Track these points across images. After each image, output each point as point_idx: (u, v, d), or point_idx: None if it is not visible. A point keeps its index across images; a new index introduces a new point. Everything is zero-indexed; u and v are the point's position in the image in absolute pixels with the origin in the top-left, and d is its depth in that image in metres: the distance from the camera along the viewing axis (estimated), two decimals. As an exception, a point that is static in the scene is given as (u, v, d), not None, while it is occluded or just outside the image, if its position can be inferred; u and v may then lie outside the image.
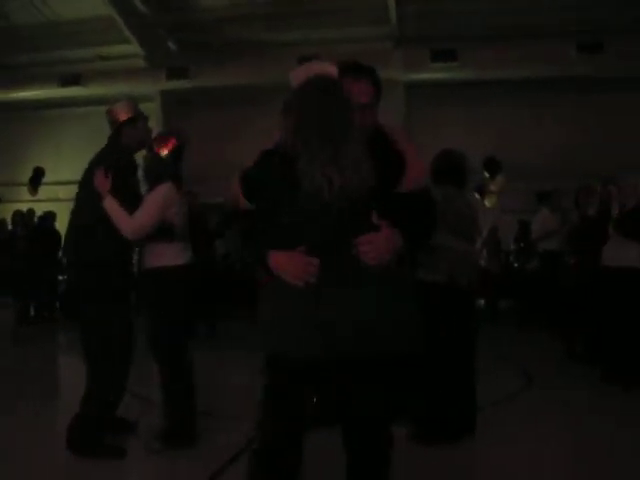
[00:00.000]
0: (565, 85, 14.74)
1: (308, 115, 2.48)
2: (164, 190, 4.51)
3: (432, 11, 14.17)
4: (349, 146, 2.40)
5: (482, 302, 10.97)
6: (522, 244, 11.70)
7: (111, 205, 4.31)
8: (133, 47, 15.89)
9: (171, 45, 16.42)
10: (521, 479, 4.11)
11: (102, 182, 4.35)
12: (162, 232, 4.46)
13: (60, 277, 12.90)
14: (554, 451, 4.61)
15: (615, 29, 14.05)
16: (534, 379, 6.78)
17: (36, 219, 12.93)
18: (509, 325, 10.67)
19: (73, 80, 16.55)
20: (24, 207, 13.55)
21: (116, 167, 4.41)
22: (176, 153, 4.76)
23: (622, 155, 13.48)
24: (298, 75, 2.63)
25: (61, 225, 13.09)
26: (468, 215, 4.91)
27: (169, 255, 4.51)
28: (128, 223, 4.31)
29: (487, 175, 11.22)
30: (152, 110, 16.41)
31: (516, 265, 11.69)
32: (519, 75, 14.51)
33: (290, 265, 2.40)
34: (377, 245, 2.39)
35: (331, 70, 2.60)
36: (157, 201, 4.44)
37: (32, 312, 12.13)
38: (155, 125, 16.54)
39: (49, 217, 12.68)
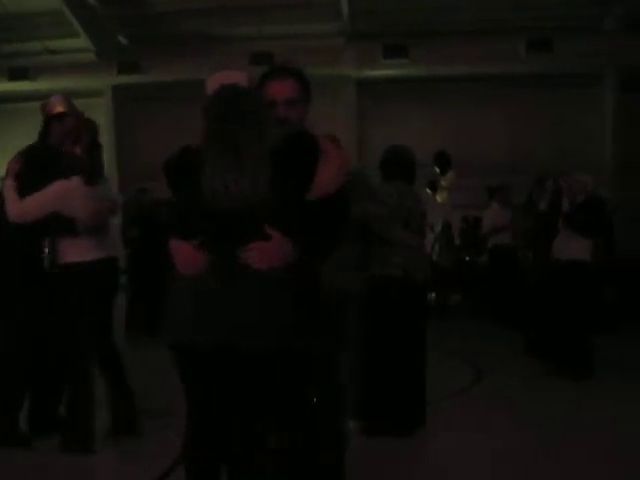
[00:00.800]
0: (515, 82, 15.00)
1: (210, 124, 2.66)
2: (63, 184, 4.37)
3: (384, 8, 14.28)
4: (249, 155, 2.49)
5: (433, 296, 11.10)
6: (468, 239, 11.87)
7: (8, 187, 4.31)
8: (83, 41, 15.67)
9: (122, 39, 16.22)
10: (467, 470, 4.18)
11: (11, 166, 4.41)
12: (60, 226, 4.35)
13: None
14: (502, 443, 4.69)
15: (564, 27, 14.35)
16: (483, 373, 6.88)
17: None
18: (459, 319, 10.78)
19: (21, 74, 16.26)
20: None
21: (31, 155, 4.44)
22: (89, 148, 4.60)
23: (570, 152, 13.79)
24: (211, 85, 2.79)
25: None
26: (419, 210, 4.97)
27: (74, 251, 4.39)
28: (14, 206, 4.26)
29: (438, 170, 11.33)
30: (103, 105, 16.26)
31: (467, 259, 11.84)
32: (470, 72, 14.71)
33: (179, 253, 2.53)
34: (265, 252, 2.46)
35: (239, 78, 2.67)
36: (50, 192, 4.32)
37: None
38: (105, 120, 16.40)
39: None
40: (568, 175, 6.98)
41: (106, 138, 16.11)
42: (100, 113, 16.19)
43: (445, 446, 4.60)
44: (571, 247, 6.57)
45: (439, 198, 11.80)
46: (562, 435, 4.79)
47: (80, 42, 15.71)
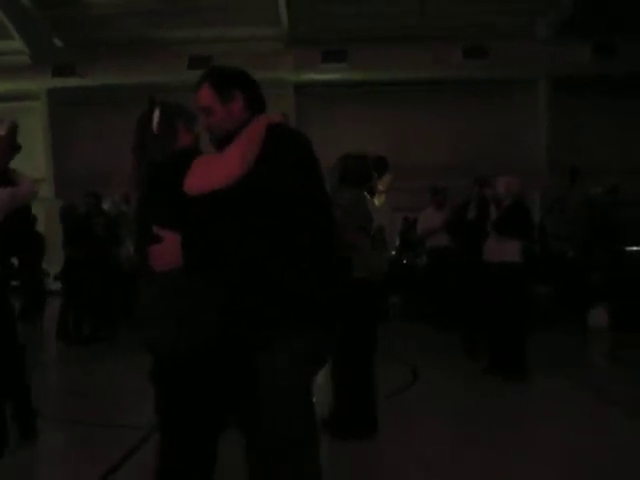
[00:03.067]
0: (453, 87, 15.28)
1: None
2: None
3: (323, 13, 14.38)
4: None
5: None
6: (407, 240, 11.99)
7: None
8: (17, 43, 15.34)
9: (57, 42, 15.95)
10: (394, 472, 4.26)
11: None
12: None
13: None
14: (431, 443, 4.79)
15: (499, 34, 14.69)
16: (419, 374, 6.97)
17: None
18: (396, 321, 10.84)
19: (-48, 76, 15.85)
20: None
21: None
22: None
23: (506, 155, 14.11)
24: None
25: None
26: (370, 215, 5.05)
27: None
28: None
29: (375, 174, 11.39)
30: (38, 108, 15.97)
31: (405, 262, 11.97)
32: (407, 76, 14.94)
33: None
34: (158, 254, 2.56)
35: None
36: None
37: None
38: (41, 123, 16.12)
39: None
40: (495, 178, 7.13)
41: (41, 142, 15.89)
42: (35, 116, 15.94)
43: (375, 446, 4.66)
44: (501, 249, 6.71)
45: (377, 201, 11.90)
46: (491, 434, 4.90)
47: (14, 44, 15.38)
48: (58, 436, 4.98)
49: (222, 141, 2.74)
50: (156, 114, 2.83)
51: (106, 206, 10.15)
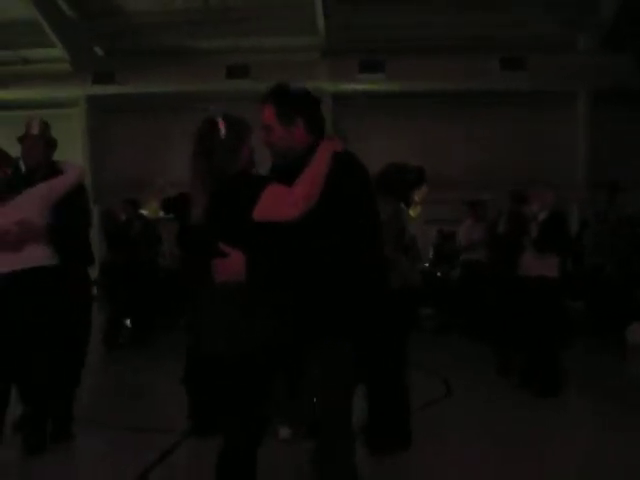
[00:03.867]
0: (490, 99, 15.12)
1: None
2: None
3: (360, 23, 14.37)
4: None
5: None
6: (442, 253, 11.91)
7: None
8: (58, 51, 15.58)
9: (98, 50, 16.16)
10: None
11: None
12: None
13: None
14: (463, 458, 4.72)
15: (538, 45, 14.54)
16: (452, 387, 6.90)
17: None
18: (428, 333, 10.75)
19: (-5, 83, 16.12)
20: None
21: None
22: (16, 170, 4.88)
23: (543, 169, 13.93)
24: None
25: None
26: (406, 227, 5.02)
27: None
28: None
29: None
30: (77, 115, 16.17)
31: (439, 274, 11.88)
32: (444, 87, 14.84)
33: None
34: (223, 267, 2.75)
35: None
36: None
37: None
38: (80, 130, 16.32)
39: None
40: (532, 187, 7.04)
41: (80, 148, 16.07)
42: (74, 123, 16.14)
43: (407, 459, 4.61)
44: (540, 264, 6.62)
45: (412, 212, 11.84)
46: (524, 450, 4.82)
47: (55, 52, 15.62)
48: (91, 439, 5.02)
49: (288, 160, 2.98)
50: (221, 122, 2.92)
51: (145, 212, 10.29)
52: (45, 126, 5.02)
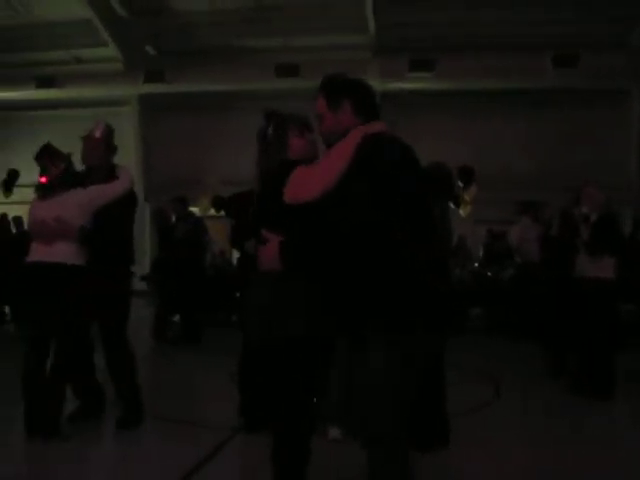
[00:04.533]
0: (541, 97, 14.92)
1: None
2: None
3: (410, 21, 14.30)
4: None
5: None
6: (493, 253, 11.77)
7: None
8: (111, 50, 15.84)
9: (149, 49, 16.37)
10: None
11: None
12: None
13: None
14: (515, 461, 4.64)
15: (590, 43, 14.28)
16: (502, 390, 6.81)
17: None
18: (477, 334, 10.64)
19: (48, 82, 16.46)
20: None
21: None
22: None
23: (596, 168, 13.69)
24: None
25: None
26: (451, 227, 4.97)
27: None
28: None
29: (461, 184, 11.26)
30: (129, 113, 16.41)
31: (489, 274, 11.75)
32: (495, 86, 14.66)
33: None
34: (264, 255, 2.83)
35: None
36: None
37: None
38: (131, 127, 16.54)
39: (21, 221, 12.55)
40: (583, 188, 6.92)
41: (132, 146, 16.30)
42: (126, 121, 16.37)
43: (455, 462, 4.56)
44: (596, 265, 6.50)
45: (462, 212, 11.75)
46: (573, 453, 4.73)
47: (108, 51, 15.89)
48: (141, 431, 5.07)
49: (329, 147, 2.92)
50: (269, 123, 3.14)
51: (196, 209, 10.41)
52: (108, 130, 5.22)
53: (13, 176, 14.08)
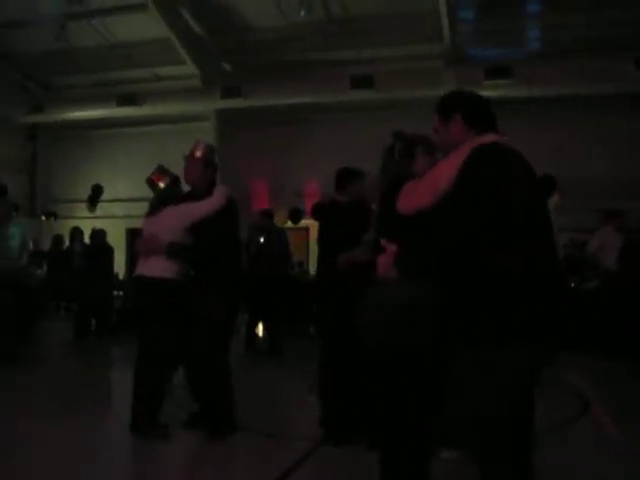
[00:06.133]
0: (622, 101, 14.47)
1: None
2: None
3: (485, 28, 14.12)
4: None
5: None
6: (575, 263, 11.45)
7: None
8: (189, 68, 16.16)
9: (225, 65, 16.64)
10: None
11: None
12: None
13: (115, 292, 13.18)
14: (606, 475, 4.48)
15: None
16: (590, 403, 6.59)
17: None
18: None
19: (130, 100, 16.90)
20: (81, 223, 13.84)
21: None
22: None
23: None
24: None
25: (114, 241, 13.33)
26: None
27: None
28: None
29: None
30: (207, 129, 16.70)
31: (572, 285, 11.43)
32: (574, 92, 14.27)
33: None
34: (382, 263, 2.94)
35: None
36: None
37: (93, 326, 12.27)
38: (210, 142, 16.80)
39: (99, 234, 12.88)
40: None
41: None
42: (204, 136, 16.63)
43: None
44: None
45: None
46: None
47: (186, 69, 16.21)
48: (225, 442, 5.12)
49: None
50: (397, 142, 3.36)
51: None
52: (208, 149, 5.59)
53: (97, 191, 14.53)
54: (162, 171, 5.62)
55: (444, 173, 2.76)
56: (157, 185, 5.48)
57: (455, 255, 2.64)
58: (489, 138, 2.87)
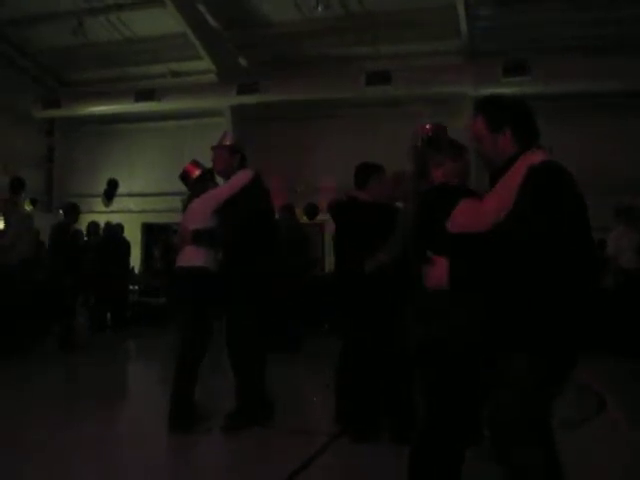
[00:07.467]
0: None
1: None
2: None
3: (503, 24, 14.02)
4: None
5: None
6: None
7: None
8: (205, 63, 16.15)
9: (241, 61, 16.63)
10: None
11: None
12: None
13: (131, 287, 13.25)
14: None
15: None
16: (605, 404, 6.55)
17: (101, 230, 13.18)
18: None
19: (147, 95, 16.93)
20: (98, 218, 13.90)
21: None
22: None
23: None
24: None
25: (130, 236, 13.36)
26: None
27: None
28: None
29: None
30: (222, 124, 16.71)
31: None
32: (595, 88, 14.15)
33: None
34: (431, 274, 2.93)
35: None
36: None
37: (109, 320, 12.33)
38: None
39: (114, 227, 12.94)
40: None
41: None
42: (221, 131, 16.64)
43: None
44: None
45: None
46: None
47: (203, 64, 16.21)
48: (240, 438, 5.15)
49: (491, 172, 3.08)
50: (425, 145, 3.50)
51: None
52: (235, 138, 6.04)
53: (113, 186, 14.54)
54: (196, 162, 5.82)
55: (505, 196, 2.86)
56: (190, 176, 5.65)
57: (523, 275, 2.76)
58: (539, 157, 2.93)
